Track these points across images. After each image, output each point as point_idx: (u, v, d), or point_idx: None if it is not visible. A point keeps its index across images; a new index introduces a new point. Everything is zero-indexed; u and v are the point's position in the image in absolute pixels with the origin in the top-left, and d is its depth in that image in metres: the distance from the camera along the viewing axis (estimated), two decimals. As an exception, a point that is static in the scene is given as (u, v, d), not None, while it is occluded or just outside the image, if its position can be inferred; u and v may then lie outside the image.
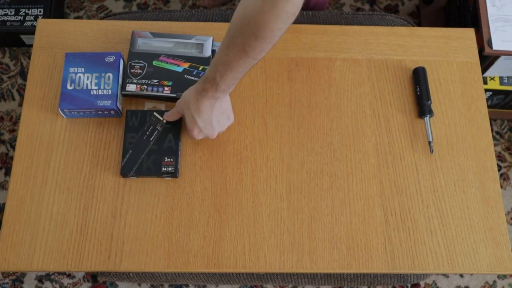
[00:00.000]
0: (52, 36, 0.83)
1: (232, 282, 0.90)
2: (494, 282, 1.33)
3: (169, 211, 0.73)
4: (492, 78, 1.30)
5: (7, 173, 1.35)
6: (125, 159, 0.73)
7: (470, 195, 0.75)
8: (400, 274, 0.89)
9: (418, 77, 0.81)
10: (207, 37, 0.81)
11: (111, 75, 0.77)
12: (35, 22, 1.41)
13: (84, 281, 1.29)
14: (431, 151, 0.76)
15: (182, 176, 0.75)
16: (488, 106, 1.38)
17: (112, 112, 0.76)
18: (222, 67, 0.63)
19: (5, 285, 1.28)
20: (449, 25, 1.46)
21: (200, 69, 0.78)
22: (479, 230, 0.73)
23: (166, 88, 0.77)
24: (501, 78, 1.30)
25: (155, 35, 0.81)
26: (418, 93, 0.80)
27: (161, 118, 0.76)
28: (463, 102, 0.81)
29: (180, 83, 0.78)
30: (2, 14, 1.42)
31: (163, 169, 0.73)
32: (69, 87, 0.76)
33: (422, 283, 1.32)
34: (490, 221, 0.73)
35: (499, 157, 1.45)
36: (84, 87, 0.76)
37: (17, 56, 1.47)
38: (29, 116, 0.77)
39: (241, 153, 0.76)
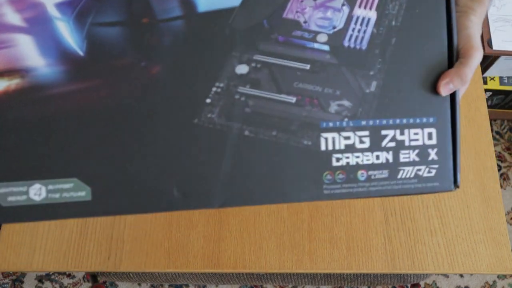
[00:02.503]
0: (52, 36, 0.83)
1: (232, 282, 0.90)
2: (494, 282, 1.33)
3: (169, 211, 0.73)
4: (492, 78, 1.30)
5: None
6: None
7: (470, 195, 0.75)
8: (400, 274, 0.89)
9: (418, 77, 0.81)
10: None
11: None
12: None
13: (84, 281, 1.29)
14: (431, 151, 0.76)
15: (182, 176, 0.75)
16: (488, 106, 1.38)
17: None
18: None
19: (5, 285, 1.28)
20: (449, 25, 1.46)
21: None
22: (479, 230, 0.73)
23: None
24: (501, 78, 1.30)
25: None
26: (418, 93, 0.80)
27: None
28: (463, 102, 0.81)
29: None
30: None
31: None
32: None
33: (422, 283, 1.32)
34: (490, 221, 0.73)
35: (499, 157, 1.45)
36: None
37: (17, 56, 1.47)
38: (29, 116, 0.77)
39: (241, 153, 0.76)
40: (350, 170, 0.46)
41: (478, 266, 0.71)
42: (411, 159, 0.47)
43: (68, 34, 0.43)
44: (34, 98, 0.42)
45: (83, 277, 1.29)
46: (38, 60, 0.43)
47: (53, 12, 0.43)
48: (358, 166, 0.46)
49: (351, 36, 0.48)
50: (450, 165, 0.47)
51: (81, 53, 0.43)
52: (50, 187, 0.42)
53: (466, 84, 0.48)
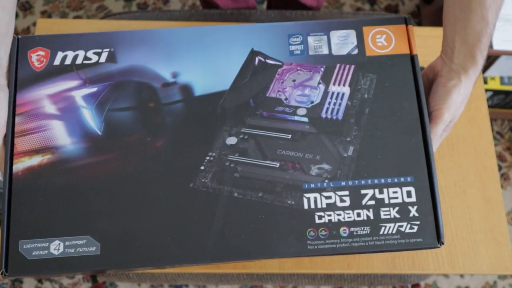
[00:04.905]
0: (52, 36, 0.83)
1: (232, 282, 0.90)
2: (495, 282, 1.33)
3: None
4: (493, 78, 1.30)
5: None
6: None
7: (471, 195, 0.75)
8: (400, 274, 0.88)
9: (418, 77, 0.81)
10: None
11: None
12: None
13: (84, 281, 1.29)
14: (432, 151, 0.76)
15: (182, 176, 0.75)
16: (489, 106, 1.38)
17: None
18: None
19: (4, 285, 1.28)
20: (449, 25, 1.46)
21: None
22: (480, 230, 0.73)
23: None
24: (501, 78, 1.30)
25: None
26: (418, 93, 0.80)
27: None
28: (464, 102, 0.81)
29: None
30: None
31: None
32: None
33: (422, 283, 1.32)
34: (491, 221, 0.73)
35: (500, 157, 1.45)
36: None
37: (17, 56, 1.47)
38: (28, 116, 0.77)
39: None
40: (333, 227, 0.50)
41: (479, 266, 0.71)
42: (392, 216, 0.50)
43: (90, 118, 0.54)
44: (60, 169, 0.52)
45: (83, 277, 1.29)
46: (65, 140, 0.53)
47: (80, 102, 0.55)
48: (340, 223, 0.50)
49: (327, 108, 0.55)
50: (431, 221, 0.50)
51: (99, 132, 0.53)
52: (67, 243, 0.50)
53: (439, 141, 0.55)
